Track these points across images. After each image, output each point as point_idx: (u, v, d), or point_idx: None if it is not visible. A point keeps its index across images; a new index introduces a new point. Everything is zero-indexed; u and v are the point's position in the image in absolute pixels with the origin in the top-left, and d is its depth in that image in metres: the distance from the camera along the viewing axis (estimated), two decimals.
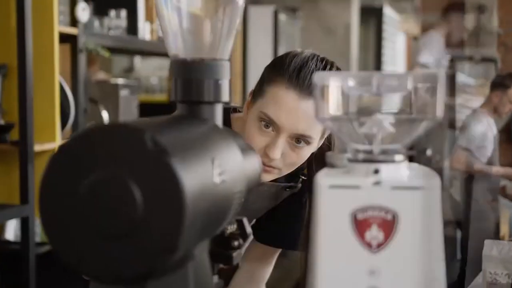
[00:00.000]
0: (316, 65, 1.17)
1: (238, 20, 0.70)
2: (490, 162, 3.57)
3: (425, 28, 6.40)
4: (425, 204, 0.59)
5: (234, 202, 0.65)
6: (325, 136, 1.24)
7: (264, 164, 1.17)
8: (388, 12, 7.06)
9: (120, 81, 3.21)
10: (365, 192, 0.59)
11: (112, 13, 2.93)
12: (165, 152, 0.53)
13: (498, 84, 3.54)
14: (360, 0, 6.20)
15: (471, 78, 4.25)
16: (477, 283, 1.70)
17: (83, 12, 2.49)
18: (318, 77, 0.62)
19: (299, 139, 1.17)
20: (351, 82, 0.61)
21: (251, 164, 0.72)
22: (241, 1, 0.69)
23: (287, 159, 1.18)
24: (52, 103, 2.36)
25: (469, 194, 3.61)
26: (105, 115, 2.83)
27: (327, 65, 1.19)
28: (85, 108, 2.61)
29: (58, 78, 2.37)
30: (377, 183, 0.59)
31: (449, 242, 4.09)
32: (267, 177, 1.20)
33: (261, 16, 4.79)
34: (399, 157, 0.61)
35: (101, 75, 3.98)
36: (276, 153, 1.16)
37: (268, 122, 1.16)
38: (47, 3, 2.30)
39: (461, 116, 4.16)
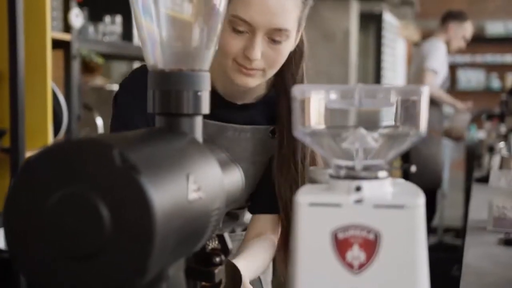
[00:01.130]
0: None
1: (219, 29, 0.68)
2: None
3: (425, 34, 6.38)
4: (409, 223, 0.56)
5: (212, 219, 0.62)
6: (301, 30, 1.23)
7: (246, 68, 1.16)
8: (388, 18, 7.02)
9: (116, 87, 3.19)
10: (346, 210, 0.56)
11: (107, 19, 2.91)
12: (134, 168, 0.50)
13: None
14: (360, 6, 6.17)
15: None
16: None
17: (77, 18, 2.47)
18: (298, 90, 0.59)
19: (276, 38, 1.15)
20: (333, 95, 0.59)
21: (231, 179, 0.69)
22: (222, 9, 0.67)
23: (268, 58, 1.17)
24: (45, 110, 2.33)
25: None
26: (99, 122, 2.80)
27: None
28: (79, 114, 2.58)
29: (50, 84, 2.34)
30: (358, 201, 0.57)
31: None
32: (252, 81, 1.19)
33: None
34: (382, 173, 0.58)
35: (98, 81, 3.95)
36: (256, 53, 1.14)
37: (240, 26, 1.14)
38: (39, 9, 2.28)
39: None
